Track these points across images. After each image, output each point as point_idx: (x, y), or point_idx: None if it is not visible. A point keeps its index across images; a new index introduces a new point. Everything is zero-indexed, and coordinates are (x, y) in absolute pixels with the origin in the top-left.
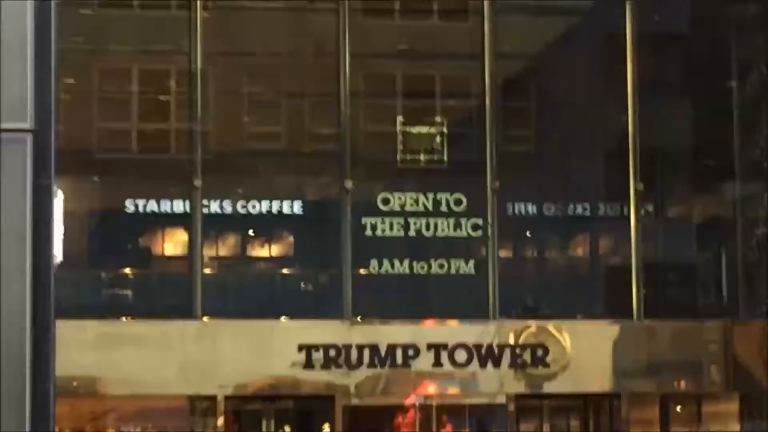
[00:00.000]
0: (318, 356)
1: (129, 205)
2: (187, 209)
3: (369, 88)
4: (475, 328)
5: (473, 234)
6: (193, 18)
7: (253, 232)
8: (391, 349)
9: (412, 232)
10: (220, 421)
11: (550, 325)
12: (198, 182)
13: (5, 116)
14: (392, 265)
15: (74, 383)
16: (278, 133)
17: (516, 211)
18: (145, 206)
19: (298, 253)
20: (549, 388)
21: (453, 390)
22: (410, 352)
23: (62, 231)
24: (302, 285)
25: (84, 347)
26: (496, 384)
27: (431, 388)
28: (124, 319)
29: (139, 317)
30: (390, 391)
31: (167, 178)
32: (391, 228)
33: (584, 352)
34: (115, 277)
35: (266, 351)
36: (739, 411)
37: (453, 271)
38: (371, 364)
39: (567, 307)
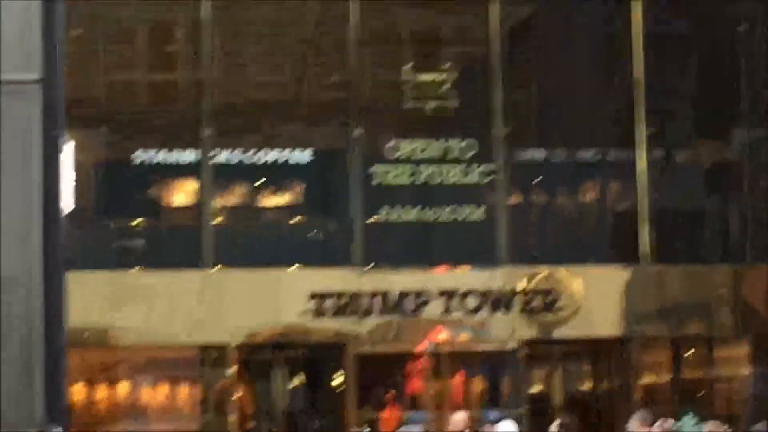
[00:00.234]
0: (328, 304)
1: (137, 156)
2: (196, 159)
3: (376, 35)
4: (485, 274)
5: (482, 181)
6: None
7: (262, 181)
8: (402, 296)
9: (421, 180)
10: (231, 370)
11: (560, 271)
12: (206, 132)
13: (14, 67)
14: (402, 213)
15: (85, 334)
16: (286, 83)
17: (525, 158)
18: (153, 157)
19: (307, 202)
20: (559, 333)
21: (464, 337)
22: (421, 300)
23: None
24: (312, 234)
25: (94, 298)
26: (507, 330)
27: (442, 335)
28: (134, 270)
29: (149, 268)
30: (401, 339)
31: (175, 128)
32: (400, 176)
33: (594, 297)
34: (124, 228)
35: (276, 300)
36: (750, 354)
37: (462, 218)
38: (382, 312)
39: (577, 253)
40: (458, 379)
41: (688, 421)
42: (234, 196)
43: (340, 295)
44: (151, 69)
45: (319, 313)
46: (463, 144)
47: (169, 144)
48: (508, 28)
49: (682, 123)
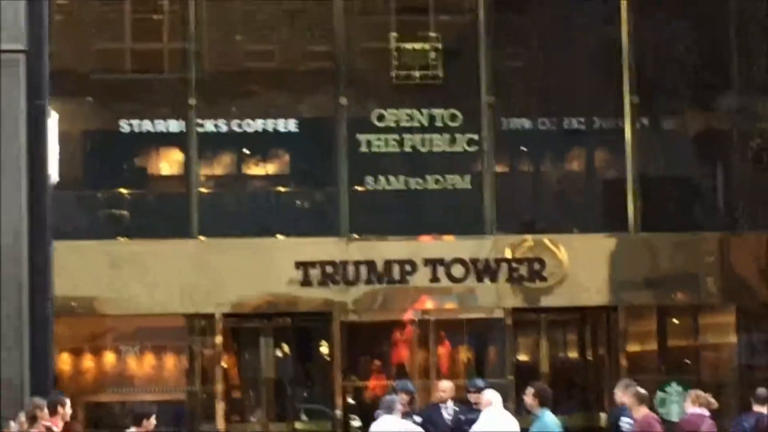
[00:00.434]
0: (315, 273)
1: (124, 126)
2: (182, 129)
3: (363, 4)
4: (471, 242)
5: (469, 149)
6: None
7: (249, 150)
8: (388, 265)
9: (407, 148)
10: (219, 339)
11: (547, 239)
12: (192, 101)
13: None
14: (388, 182)
15: (73, 303)
16: (272, 52)
17: (511, 126)
18: (139, 126)
19: (294, 171)
20: (546, 301)
21: (450, 305)
22: (407, 268)
23: (57, 152)
24: (298, 202)
25: (81, 268)
26: (493, 298)
27: (429, 304)
28: (120, 239)
29: (136, 237)
30: (387, 307)
31: (162, 97)
32: (387, 144)
33: (581, 265)
34: (111, 198)
35: (263, 269)
36: (736, 322)
37: (449, 186)
38: (368, 281)
39: (563, 221)
40: (444, 347)
41: (674, 389)
42: (220, 165)
43: (326, 264)
44: (137, 38)
45: (305, 282)
46: (450, 112)
47: (156, 113)
48: None
49: (670, 91)
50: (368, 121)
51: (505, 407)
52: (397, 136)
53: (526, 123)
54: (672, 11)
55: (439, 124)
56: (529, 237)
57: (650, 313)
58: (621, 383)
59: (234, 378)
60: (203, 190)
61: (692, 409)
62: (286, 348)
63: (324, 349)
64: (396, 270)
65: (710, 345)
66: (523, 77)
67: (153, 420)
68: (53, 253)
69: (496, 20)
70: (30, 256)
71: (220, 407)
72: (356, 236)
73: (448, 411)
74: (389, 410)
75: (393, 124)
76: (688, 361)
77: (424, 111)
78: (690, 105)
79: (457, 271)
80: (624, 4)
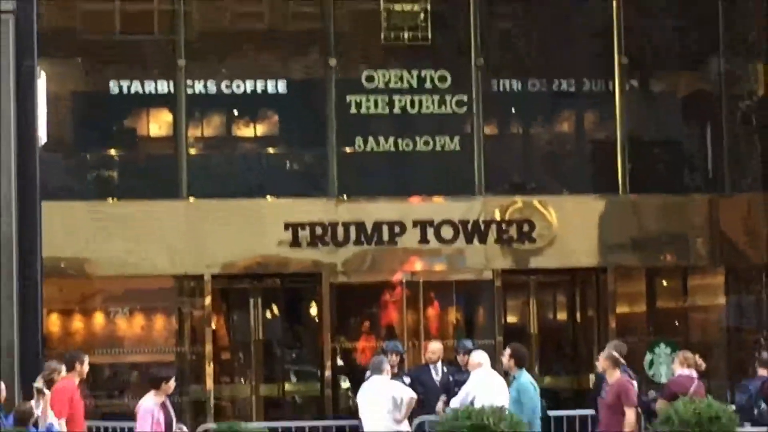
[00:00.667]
0: (304, 234)
1: (113, 87)
2: (171, 90)
3: None
4: (460, 204)
5: (458, 111)
6: None
7: (238, 111)
8: (378, 226)
9: (396, 110)
10: (208, 300)
11: (536, 201)
12: (182, 62)
13: None
14: (377, 143)
15: (62, 265)
16: (261, 13)
17: (500, 88)
18: (129, 87)
19: (283, 132)
20: (535, 263)
21: (439, 266)
22: (396, 229)
23: (46, 112)
24: (288, 164)
25: (71, 229)
26: (483, 260)
27: (418, 265)
28: (110, 200)
29: (125, 198)
30: (377, 269)
31: (151, 58)
32: (376, 106)
33: (570, 227)
34: (100, 159)
35: (253, 230)
36: (725, 284)
37: (438, 148)
38: (358, 242)
39: (553, 183)
40: (434, 308)
41: (662, 350)
42: (210, 127)
43: (316, 225)
44: None
45: (295, 243)
46: (439, 74)
47: (145, 74)
48: None
49: (660, 53)
50: (358, 83)
51: (494, 368)
52: (386, 98)
53: (516, 84)
54: None
55: (428, 85)
56: (518, 198)
57: (639, 275)
58: (610, 344)
59: (223, 339)
60: (192, 151)
61: (680, 370)
62: (275, 309)
63: (313, 310)
64: (385, 231)
65: (699, 306)
66: (513, 39)
67: (172, 383)
68: (42, 214)
69: None
70: (19, 217)
71: (209, 368)
72: (345, 197)
73: (437, 372)
74: (378, 371)
75: (382, 86)
76: (676, 323)
77: (414, 72)
78: (679, 67)
79: (447, 232)
80: None
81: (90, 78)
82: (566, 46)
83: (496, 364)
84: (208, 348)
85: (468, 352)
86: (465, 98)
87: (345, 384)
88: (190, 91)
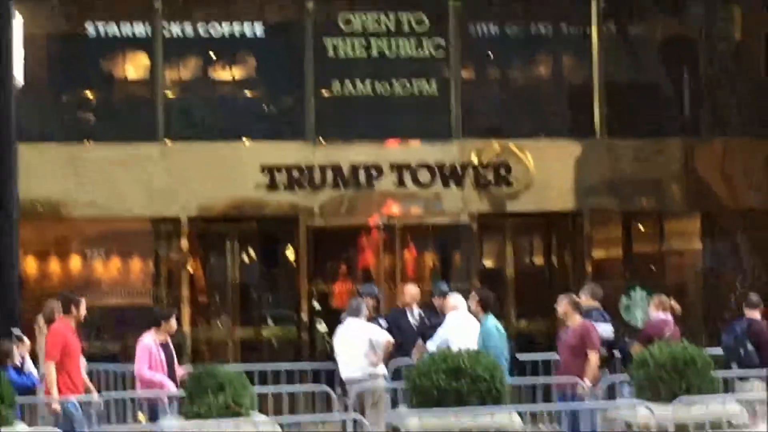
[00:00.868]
0: (281, 177)
1: (89, 29)
2: (148, 32)
3: None
4: (437, 148)
5: (435, 54)
6: None
7: (215, 54)
8: (355, 169)
9: (374, 53)
10: (184, 243)
11: (513, 145)
12: (158, 4)
13: None
14: (354, 86)
15: (38, 207)
16: None
17: (478, 32)
18: (105, 29)
19: (261, 75)
20: (512, 207)
21: (416, 210)
22: (373, 173)
23: (22, 54)
24: (265, 107)
25: (47, 171)
26: (459, 203)
27: (394, 209)
28: (86, 142)
29: (102, 141)
30: (353, 212)
31: (127, 1)
32: (353, 49)
33: (547, 170)
34: (76, 101)
35: (229, 173)
36: (701, 228)
37: (415, 91)
38: (335, 185)
39: (530, 127)
40: (410, 252)
41: (638, 294)
42: (187, 70)
43: (292, 169)
44: None
45: (271, 186)
46: (417, 17)
47: (121, 16)
48: None
49: None
50: (335, 26)
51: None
52: (363, 41)
53: (494, 28)
54: None
55: (406, 28)
56: (495, 142)
57: (615, 219)
58: (586, 288)
59: (200, 282)
60: (169, 94)
61: (656, 313)
62: (252, 252)
63: (290, 253)
64: (362, 175)
65: (675, 251)
66: None
67: (173, 322)
68: (18, 157)
69: None
70: None
71: (186, 312)
72: (323, 141)
73: (414, 315)
74: (355, 314)
75: (360, 29)
76: (652, 267)
77: (391, 15)
78: (657, 11)
79: (423, 176)
80: None
81: (66, 20)
82: None
83: None
84: (185, 291)
85: (444, 295)
86: (442, 42)
87: (321, 327)
88: (166, 33)
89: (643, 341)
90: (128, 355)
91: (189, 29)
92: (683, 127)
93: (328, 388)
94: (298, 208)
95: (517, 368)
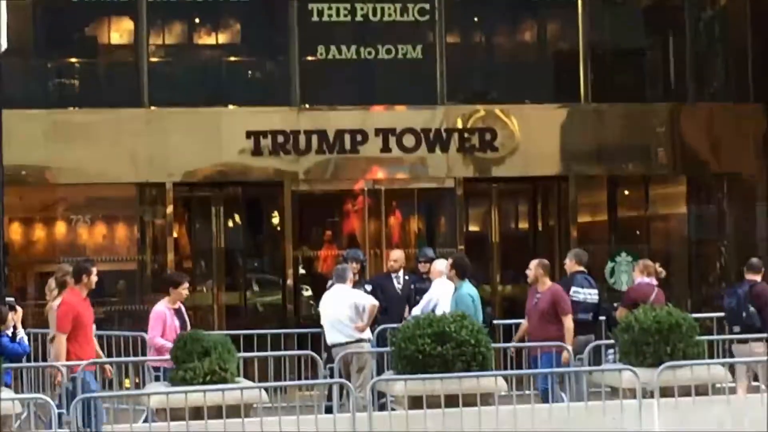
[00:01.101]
0: (266, 143)
1: None
2: None
3: None
4: (423, 112)
5: (420, 19)
6: None
7: (199, 19)
8: (339, 134)
9: (358, 17)
10: (169, 208)
11: (498, 109)
12: None
13: None
14: (339, 51)
15: (23, 172)
16: None
17: None
18: None
19: (245, 40)
20: (497, 171)
21: (401, 175)
22: (358, 138)
23: (6, 19)
24: (249, 72)
25: (32, 137)
26: (445, 168)
27: (380, 174)
28: (71, 108)
29: (86, 106)
30: (338, 177)
31: None
32: (338, 13)
33: (532, 135)
34: (60, 67)
35: (214, 138)
36: (686, 193)
37: (400, 56)
38: (319, 150)
39: (515, 91)
40: (395, 217)
41: (623, 259)
42: (171, 35)
43: (277, 134)
44: None
45: (256, 151)
46: None
47: None
48: None
49: None
50: None
51: None
52: (348, 5)
53: None
54: None
55: None
56: (480, 107)
57: (601, 184)
58: (571, 252)
59: (185, 248)
60: (154, 59)
61: (640, 278)
62: (236, 218)
63: (275, 219)
64: (347, 140)
65: (660, 216)
66: None
67: (182, 289)
68: (2, 122)
69: None
70: None
71: None
72: (307, 106)
73: (399, 280)
74: (341, 279)
75: None
76: (638, 232)
77: None
78: None
79: (409, 141)
80: None
81: None
82: None
83: None
84: (170, 256)
85: (429, 260)
86: (427, 6)
87: (307, 293)
88: None
89: (628, 306)
90: (113, 320)
91: None
92: (669, 92)
93: (313, 353)
94: (283, 173)
95: (492, 336)
